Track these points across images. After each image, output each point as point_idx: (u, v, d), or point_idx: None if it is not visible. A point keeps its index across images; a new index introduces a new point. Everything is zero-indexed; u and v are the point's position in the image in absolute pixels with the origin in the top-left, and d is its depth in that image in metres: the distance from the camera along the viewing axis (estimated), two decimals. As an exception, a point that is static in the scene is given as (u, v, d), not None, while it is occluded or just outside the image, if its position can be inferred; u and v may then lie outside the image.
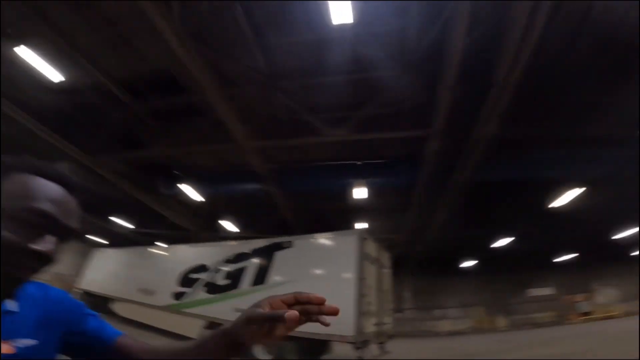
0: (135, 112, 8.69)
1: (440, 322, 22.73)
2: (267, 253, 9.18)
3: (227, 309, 8.87)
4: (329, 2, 4.76)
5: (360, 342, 6.95)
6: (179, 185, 10.75)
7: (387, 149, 9.77)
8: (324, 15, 5.81)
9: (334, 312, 0.69)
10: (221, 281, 9.66)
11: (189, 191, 10.95)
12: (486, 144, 7.59)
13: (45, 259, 0.65)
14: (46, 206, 0.65)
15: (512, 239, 16.66)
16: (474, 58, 5.88)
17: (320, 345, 8.59)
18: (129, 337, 0.86)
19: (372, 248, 8.33)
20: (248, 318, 0.68)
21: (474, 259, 21.03)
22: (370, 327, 7.62)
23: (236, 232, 14.90)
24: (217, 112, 7.33)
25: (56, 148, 9.21)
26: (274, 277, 8.71)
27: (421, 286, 23.16)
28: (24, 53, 6.14)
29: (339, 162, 9.55)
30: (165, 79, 7.87)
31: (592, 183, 9.87)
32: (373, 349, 7.87)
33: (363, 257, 7.57)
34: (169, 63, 7.32)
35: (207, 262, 10.40)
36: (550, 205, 11.87)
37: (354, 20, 5.05)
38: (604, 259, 21.68)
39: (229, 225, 14.92)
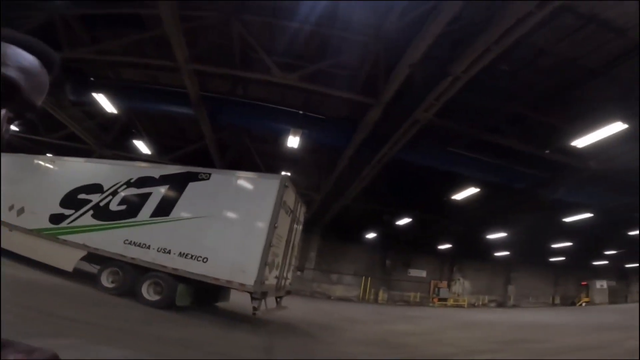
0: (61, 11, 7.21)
1: (334, 286, 24.21)
2: (178, 182, 8.23)
3: (116, 240, 7.87)
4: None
5: (258, 293, 6.91)
6: (92, 94, 9.06)
7: (329, 107, 9.62)
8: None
9: None
10: (115, 207, 8.38)
11: (103, 102, 9.29)
12: (420, 127, 7.94)
13: None
14: (14, 74, 0.55)
15: (410, 220, 18.39)
16: (443, 47, 5.90)
17: (216, 291, 8.41)
18: None
19: (291, 198, 8.17)
20: None
21: (375, 232, 22.74)
22: (271, 279, 7.63)
23: (148, 155, 13.39)
24: (165, 27, 6.30)
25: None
26: (181, 211, 7.98)
27: (326, 249, 24.01)
28: None
29: (279, 106, 9.06)
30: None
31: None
32: (269, 302, 7.91)
33: (281, 204, 7.37)
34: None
35: (104, 182, 8.71)
36: (450, 198, 13.37)
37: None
38: (471, 255, 25.78)
39: (142, 147, 13.32)
